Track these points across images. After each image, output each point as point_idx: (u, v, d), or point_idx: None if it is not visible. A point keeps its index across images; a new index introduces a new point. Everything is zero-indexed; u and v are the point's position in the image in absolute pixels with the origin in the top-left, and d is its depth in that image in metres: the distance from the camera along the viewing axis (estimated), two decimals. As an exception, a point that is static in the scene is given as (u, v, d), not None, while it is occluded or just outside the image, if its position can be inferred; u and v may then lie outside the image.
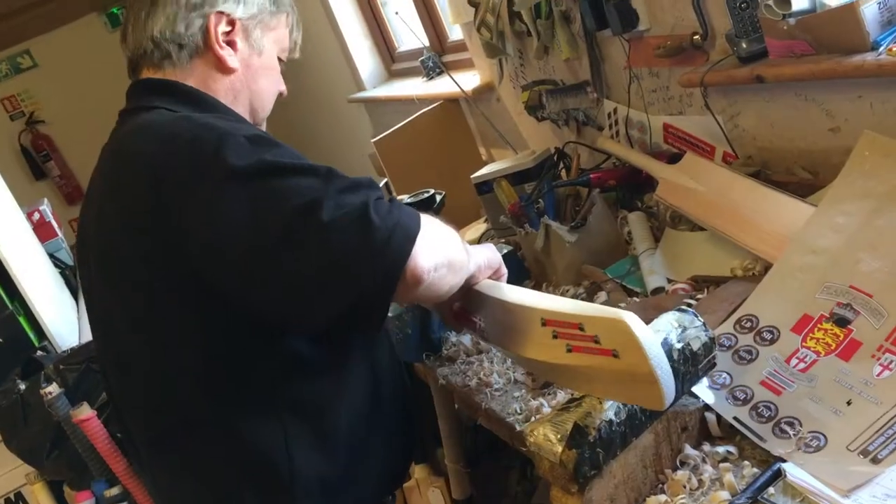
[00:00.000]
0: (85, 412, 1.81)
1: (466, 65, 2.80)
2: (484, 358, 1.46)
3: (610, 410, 0.98)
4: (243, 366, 1.09)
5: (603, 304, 1.50)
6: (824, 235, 1.17)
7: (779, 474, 0.98)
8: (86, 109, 5.14)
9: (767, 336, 1.16)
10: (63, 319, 2.40)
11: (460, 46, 2.93)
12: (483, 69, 2.57)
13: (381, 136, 2.70)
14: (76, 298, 2.87)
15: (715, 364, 1.09)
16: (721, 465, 1.04)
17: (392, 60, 3.73)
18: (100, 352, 1.28)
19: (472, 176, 2.10)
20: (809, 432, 1.01)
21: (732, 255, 1.46)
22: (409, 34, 3.39)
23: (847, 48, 1.28)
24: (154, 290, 1.07)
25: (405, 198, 2.09)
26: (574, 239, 1.63)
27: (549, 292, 1.66)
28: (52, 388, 1.84)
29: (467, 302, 1.18)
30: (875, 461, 0.93)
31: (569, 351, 0.93)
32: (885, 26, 1.25)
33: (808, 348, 1.10)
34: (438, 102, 2.79)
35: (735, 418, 1.07)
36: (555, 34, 2.00)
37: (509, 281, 1.28)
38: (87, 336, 2.17)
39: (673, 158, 1.70)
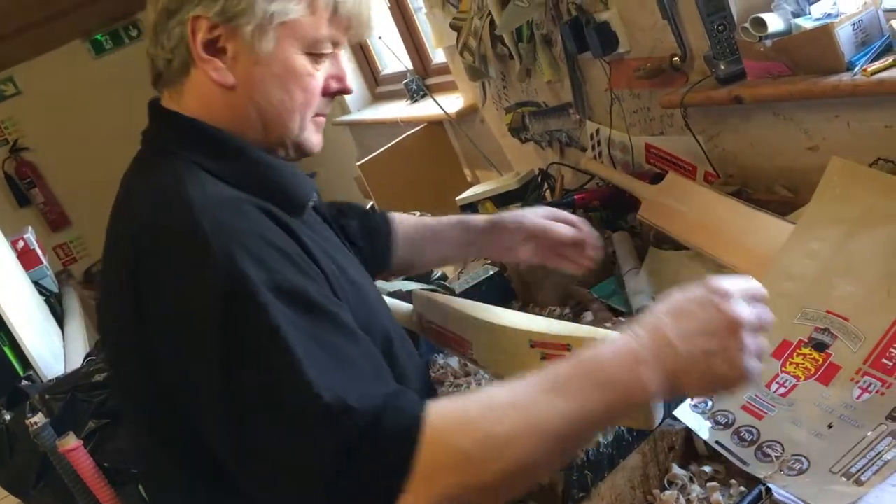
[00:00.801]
0: (71, 442, 1.79)
1: (450, 87, 2.82)
2: (472, 380, 1.46)
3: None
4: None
5: (589, 324, 1.51)
6: (800, 262, 1.18)
7: (766, 493, 0.99)
8: (70, 136, 5.14)
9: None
10: (48, 348, 2.39)
11: (444, 69, 2.95)
12: (466, 91, 2.59)
13: (367, 158, 2.71)
14: (62, 326, 2.86)
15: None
16: (709, 484, 1.04)
17: (376, 83, 3.75)
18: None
19: (457, 198, 2.11)
20: (792, 455, 1.01)
21: (715, 274, 1.46)
22: (393, 58, 3.42)
23: (823, 69, 1.30)
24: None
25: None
26: None
27: (535, 313, 1.67)
28: (38, 418, 1.82)
29: (455, 323, 1.18)
30: (858, 483, 0.94)
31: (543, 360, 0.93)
32: (859, 47, 1.28)
33: (788, 373, 1.11)
34: (423, 125, 2.81)
35: (717, 442, 1.07)
36: (536, 57, 2.02)
37: (493, 302, 1.29)
38: (73, 364, 2.16)
39: (655, 178, 1.72)
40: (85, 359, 2.16)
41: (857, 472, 0.95)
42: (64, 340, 2.63)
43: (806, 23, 1.33)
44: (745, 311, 0.81)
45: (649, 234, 1.70)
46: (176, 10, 0.93)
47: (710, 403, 1.12)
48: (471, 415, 0.76)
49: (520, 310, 1.64)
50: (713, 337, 0.79)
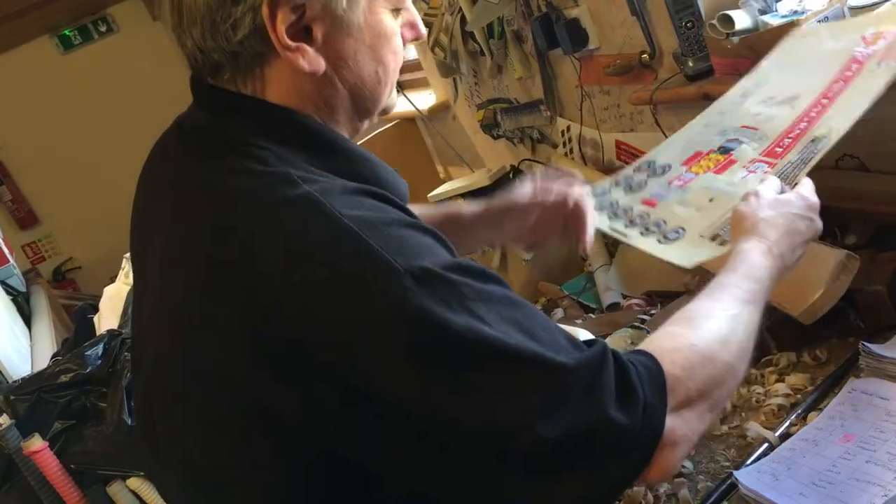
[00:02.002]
0: (37, 444, 1.76)
1: (422, 84, 2.81)
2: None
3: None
4: None
5: (559, 321, 1.51)
6: (731, 101, 1.23)
7: (732, 488, 1.00)
8: (39, 133, 5.06)
9: (659, 171, 1.20)
10: (14, 348, 2.35)
11: (415, 66, 2.94)
12: (438, 88, 2.59)
13: (338, 155, 2.70)
14: (29, 326, 2.81)
15: (668, 380, 1.10)
16: (676, 480, 1.05)
17: (349, 80, 3.73)
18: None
19: (429, 195, 2.11)
20: (672, 229, 1.06)
21: (683, 270, 1.47)
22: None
23: (789, 65, 1.31)
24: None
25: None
26: (530, 256, 1.64)
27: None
28: (3, 420, 1.79)
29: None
30: (722, 244, 0.99)
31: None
32: (825, 44, 1.28)
33: (691, 171, 1.16)
34: (395, 122, 2.79)
35: (610, 227, 1.12)
36: (507, 53, 2.02)
37: None
38: (40, 364, 2.13)
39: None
40: (52, 358, 2.13)
41: (723, 235, 1.00)
42: (31, 340, 2.59)
43: (773, 20, 1.33)
44: (809, 198, 1.00)
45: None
46: None
47: (616, 205, 1.18)
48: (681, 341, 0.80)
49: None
50: (804, 246, 0.97)
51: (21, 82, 5.07)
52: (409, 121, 2.76)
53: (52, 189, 5.02)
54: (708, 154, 1.16)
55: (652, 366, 0.76)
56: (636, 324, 1.11)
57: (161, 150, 0.90)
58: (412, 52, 2.92)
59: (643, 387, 0.73)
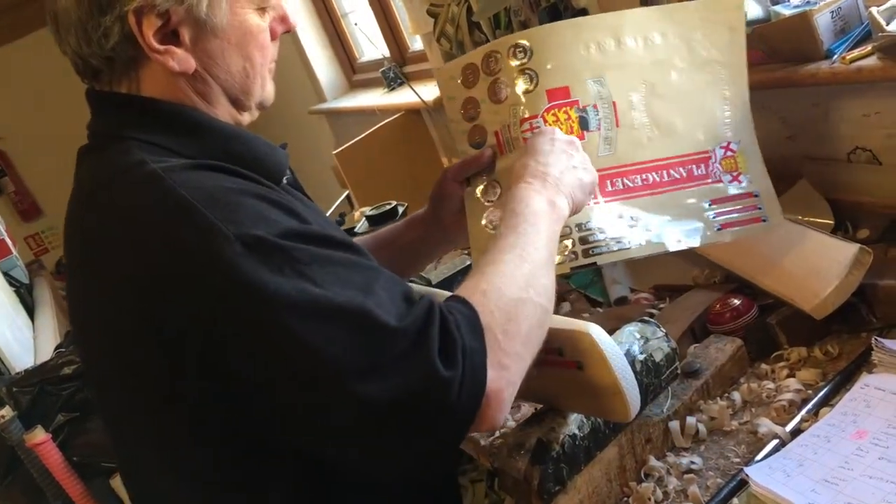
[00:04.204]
0: (39, 436, 1.76)
1: (427, 75, 2.79)
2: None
3: (573, 424, 0.97)
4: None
5: (566, 314, 1.50)
6: (623, 41, 1.17)
7: (743, 484, 0.98)
8: (41, 125, 5.04)
9: (529, 84, 1.15)
10: (17, 340, 2.34)
11: (421, 57, 2.92)
12: (444, 80, 2.56)
13: (342, 147, 2.68)
14: (32, 318, 2.80)
15: (678, 375, 1.09)
16: (685, 476, 1.03)
17: (353, 71, 3.71)
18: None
19: (434, 187, 2.08)
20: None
21: (693, 264, 1.46)
22: (370, 45, 3.38)
23: (801, 57, 1.29)
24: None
25: (367, 210, 2.08)
26: None
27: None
28: (5, 412, 1.79)
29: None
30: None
31: (534, 366, 0.91)
32: (838, 34, 1.26)
33: (543, 118, 1.13)
34: (400, 113, 2.78)
35: None
36: (514, 44, 2.00)
37: None
38: (43, 356, 2.12)
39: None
40: (55, 350, 2.13)
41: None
42: (34, 332, 2.59)
43: (785, 10, 1.31)
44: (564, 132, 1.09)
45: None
46: (109, 3, 0.85)
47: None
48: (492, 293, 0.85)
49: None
50: (564, 154, 1.04)
51: (23, 74, 5.06)
52: (414, 113, 2.74)
53: (55, 181, 4.96)
54: (571, 107, 1.14)
55: (467, 311, 0.81)
56: (645, 318, 1.09)
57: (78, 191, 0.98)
58: (418, 43, 2.90)
59: (461, 333, 0.78)
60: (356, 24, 3.26)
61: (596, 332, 0.86)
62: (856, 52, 1.20)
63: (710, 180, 1.14)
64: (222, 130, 0.92)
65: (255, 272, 0.75)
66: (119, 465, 1.09)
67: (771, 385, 1.14)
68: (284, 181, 0.98)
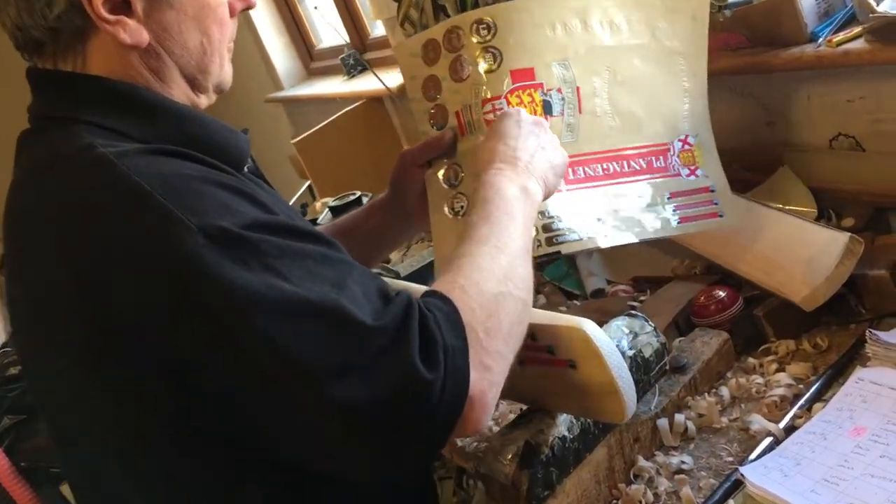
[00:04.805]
0: (-16, 442, 1.66)
1: (390, 62, 2.71)
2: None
3: (562, 426, 0.92)
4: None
5: (541, 307, 1.44)
6: (589, 24, 1.13)
7: (738, 485, 0.94)
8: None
9: (491, 62, 1.10)
10: (-41, 339, 2.22)
11: (382, 43, 2.84)
12: (407, 66, 2.49)
13: (302, 136, 2.60)
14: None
15: (667, 371, 1.05)
16: (677, 476, 0.99)
17: (311, 58, 3.61)
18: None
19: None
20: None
21: (671, 254, 1.42)
22: (329, 31, 3.29)
23: (784, 40, 1.25)
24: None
25: (330, 201, 2.00)
26: None
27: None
28: (-54, 417, 1.68)
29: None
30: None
31: (520, 363, 0.86)
32: (822, 17, 1.23)
33: (507, 100, 1.09)
34: (361, 101, 2.70)
35: None
36: (481, 29, 1.94)
37: None
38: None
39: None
40: (-1, 350, 2.02)
41: None
42: (-22, 330, 2.46)
43: (767, -9, 1.27)
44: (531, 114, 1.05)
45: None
46: None
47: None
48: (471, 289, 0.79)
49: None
50: (532, 136, 0.99)
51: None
52: (375, 100, 2.67)
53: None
54: (535, 90, 1.10)
55: (448, 309, 0.76)
56: (633, 311, 1.04)
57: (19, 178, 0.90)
58: (379, 29, 2.82)
59: (442, 331, 0.73)
60: (315, 8, 3.16)
61: (590, 328, 0.80)
62: (842, 35, 1.17)
63: (668, 173, 1.12)
64: (179, 112, 0.84)
65: (219, 266, 0.69)
66: (67, 473, 1.00)
67: (760, 380, 1.10)
68: (245, 169, 0.91)
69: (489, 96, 1.09)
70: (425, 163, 1.14)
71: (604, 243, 1.06)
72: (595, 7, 1.14)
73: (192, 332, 0.70)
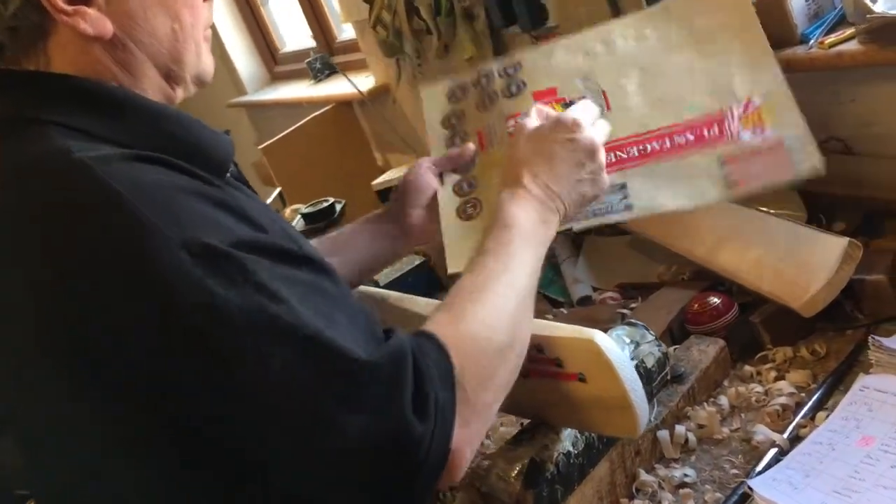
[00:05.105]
0: (-62, 464, 1.56)
1: (358, 66, 2.67)
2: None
3: (567, 441, 0.88)
4: None
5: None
6: (622, 36, 1.16)
7: (745, 498, 0.91)
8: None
9: (514, 89, 1.15)
10: None
11: (350, 47, 2.79)
12: (377, 71, 2.45)
13: (270, 142, 2.53)
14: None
15: (668, 381, 1.02)
16: (681, 491, 0.95)
17: (275, 62, 3.55)
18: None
19: (373, 182, 1.98)
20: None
21: (657, 260, 1.40)
22: (294, 34, 3.24)
23: (773, 42, 1.23)
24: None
25: (302, 208, 1.95)
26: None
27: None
28: None
29: (390, 318, 1.04)
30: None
31: (525, 376, 0.81)
32: (812, 19, 1.22)
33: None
34: (329, 106, 2.64)
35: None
36: (457, 32, 1.90)
37: (419, 293, 1.16)
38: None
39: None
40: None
41: None
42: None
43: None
44: (598, 135, 0.95)
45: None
46: None
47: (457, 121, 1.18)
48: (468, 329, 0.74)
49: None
50: (579, 167, 0.92)
51: None
52: (345, 104, 2.61)
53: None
54: (558, 102, 1.13)
55: (442, 360, 0.70)
56: (632, 320, 1.01)
57: None
58: (349, 32, 2.77)
59: (434, 382, 0.68)
60: (277, 10, 3.10)
61: (602, 339, 0.76)
62: (834, 37, 1.15)
63: (725, 139, 1.05)
64: (152, 109, 0.77)
65: (201, 284, 0.63)
66: (39, 486, 0.92)
67: (759, 388, 1.07)
68: (228, 174, 0.84)
69: (513, 113, 1.11)
70: (439, 174, 1.11)
71: (622, 217, 1.03)
72: (619, 30, 1.16)
73: (175, 352, 0.64)
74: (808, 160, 1.01)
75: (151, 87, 0.79)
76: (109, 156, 0.69)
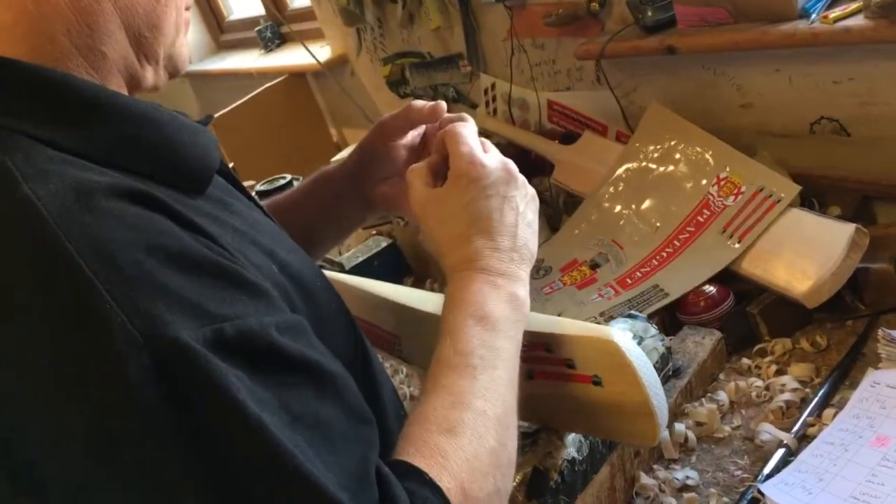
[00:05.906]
0: None
1: (313, 35, 2.53)
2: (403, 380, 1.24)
3: (571, 447, 0.80)
4: None
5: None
6: (608, 196, 1.35)
7: (755, 503, 0.85)
8: None
9: (542, 272, 1.32)
10: None
11: (303, 15, 2.65)
12: (334, 40, 2.32)
13: (218, 114, 2.39)
14: None
15: (670, 377, 0.95)
16: (686, 496, 0.89)
17: (220, 30, 3.37)
18: None
19: (332, 160, 1.87)
20: None
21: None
22: (240, 2, 3.07)
23: (771, 16, 1.17)
24: None
25: (258, 185, 1.83)
26: (404, 224, 1.46)
27: (433, 290, 1.47)
28: None
29: (377, 313, 0.94)
30: None
31: (529, 377, 0.73)
32: (811, -8, 1.15)
33: (561, 281, 1.30)
34: (282, 77, 2.51)
35: None
36: (422, 1, 1.80)
37: (386, 278, 1.05)
38: None
39: (565, 138, 1.55)
40: None
41: None
42: None
43: (750, -37, 1.19)
44: (493, 157, 0.72)
45: (559, 201, 1.54)
46: None
47: None
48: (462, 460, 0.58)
49: (412, 286, 1.44)
50: (507, 205, 0.71)
51: None
52: (298, 76, 2.48)
53: None
54: (581, 265, 1.31)
55: None
56: (633, 312, 0.94)
57: None
58: (299, 1, 2.63)
59: None
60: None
61: (621, 339, 0.68)
62: (839, 11, 1.09)
63: (716, 215, 1.20)
64: (130, 109, 0.59)
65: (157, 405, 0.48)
66: None
67: (759, 383, 1.02)
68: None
69: None
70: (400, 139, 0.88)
71: (665, 301, 1.16)
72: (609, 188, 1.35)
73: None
74: (785, 193, 1.15)
75: (114, 56, 0.61)
76: (68, 189, 0.51)
